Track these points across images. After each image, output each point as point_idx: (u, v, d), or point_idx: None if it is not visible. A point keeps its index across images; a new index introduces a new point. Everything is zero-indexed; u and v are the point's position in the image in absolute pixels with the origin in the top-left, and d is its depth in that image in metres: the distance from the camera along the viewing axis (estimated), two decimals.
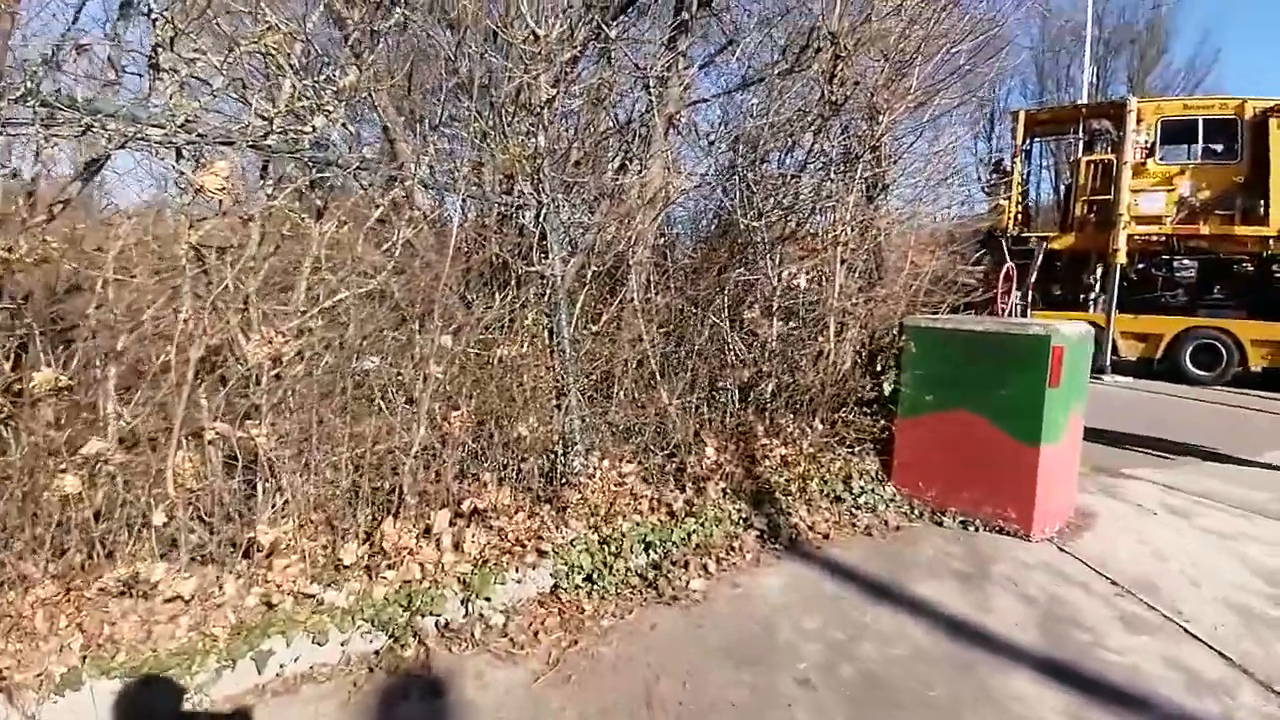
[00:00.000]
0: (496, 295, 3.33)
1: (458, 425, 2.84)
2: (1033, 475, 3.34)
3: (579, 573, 2.71)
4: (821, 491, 3.60)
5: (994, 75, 5.70)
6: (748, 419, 3.82)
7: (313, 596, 2.34)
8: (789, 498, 3.42)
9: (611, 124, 4.59)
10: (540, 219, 3.18)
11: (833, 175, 4.02)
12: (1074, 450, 3.77)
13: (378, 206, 2.84)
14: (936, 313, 4.30)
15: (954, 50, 3.97)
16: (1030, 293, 10.27)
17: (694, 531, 3.00)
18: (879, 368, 4.01)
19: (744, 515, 3.22)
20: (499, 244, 3.50)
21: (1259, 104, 9.42)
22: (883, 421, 3.90)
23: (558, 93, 3.43)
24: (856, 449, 3.90)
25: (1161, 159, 10.19)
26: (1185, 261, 9.95)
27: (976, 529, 3.43)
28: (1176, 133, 10.13)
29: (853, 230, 4.20)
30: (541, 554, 2.79)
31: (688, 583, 2.69)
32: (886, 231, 4.38)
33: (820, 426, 3.88)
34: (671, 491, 3.18)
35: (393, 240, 2.81)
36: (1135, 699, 1.98)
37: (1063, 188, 13.12)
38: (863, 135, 3.90)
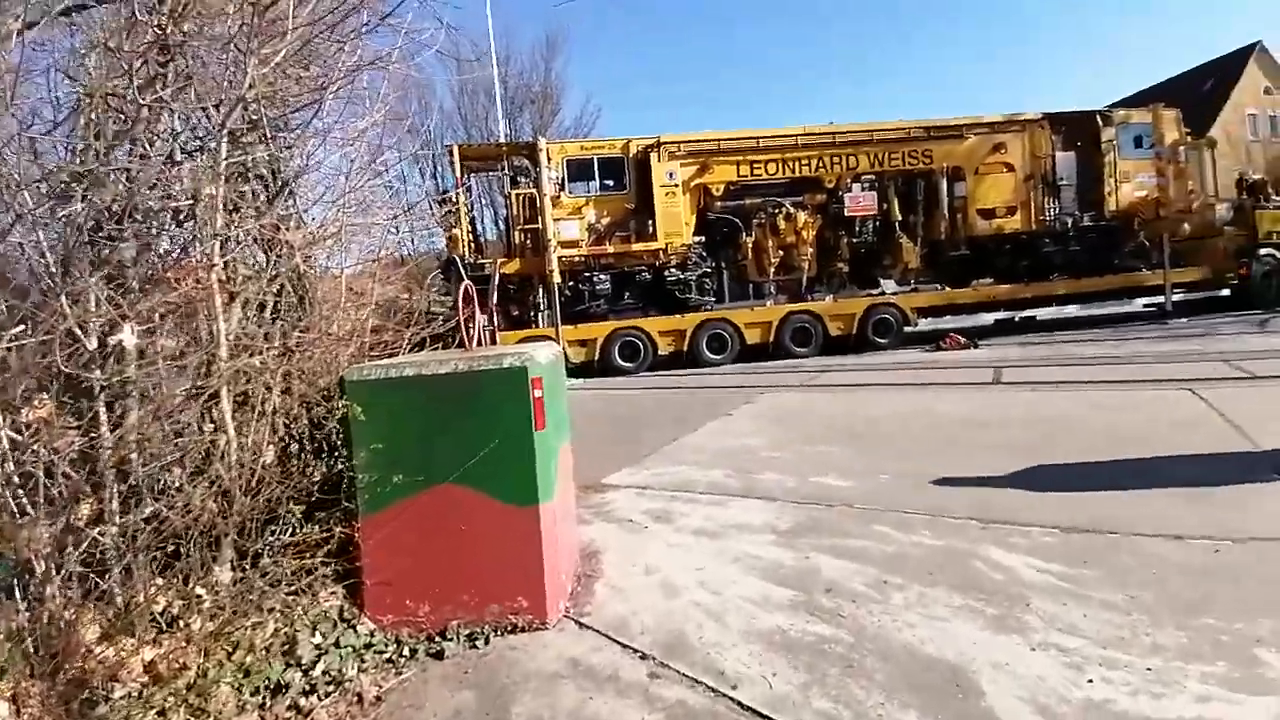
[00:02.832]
0: None
1: None
2: (536, 545, 2.65)
3: None
4: (246, 692, 2.06)
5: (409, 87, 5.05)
6: (60, 614, 1.92)
7: None
8: None
9: None
10: None
11: (183, 151, 2.43)
12: (571, 494, 3.33)
13: None
14: (395, 355, 3.26)
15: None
16: (494, 316, 10.77)
17: None
18: (321, 448, 2.70)
19: None
20: None
21: (640, 142, 12.07)
22: (339, 528, 2.61)
23: None
24: (304, 583, 2.48)
25: (571, 193, 12.09)
26: (601, 276, 12.05)
27: (488, 641, 2.54)
28: (579, 170, 12.14)
29: (246, 246, 2.73)
30: None
31: None
32: (305, 250, 3.06)
33: (231, 572, 2.30)
34: None
35: None
36: None
37: (502, 219, 14.53)
38: (223, 89, 2.44)
